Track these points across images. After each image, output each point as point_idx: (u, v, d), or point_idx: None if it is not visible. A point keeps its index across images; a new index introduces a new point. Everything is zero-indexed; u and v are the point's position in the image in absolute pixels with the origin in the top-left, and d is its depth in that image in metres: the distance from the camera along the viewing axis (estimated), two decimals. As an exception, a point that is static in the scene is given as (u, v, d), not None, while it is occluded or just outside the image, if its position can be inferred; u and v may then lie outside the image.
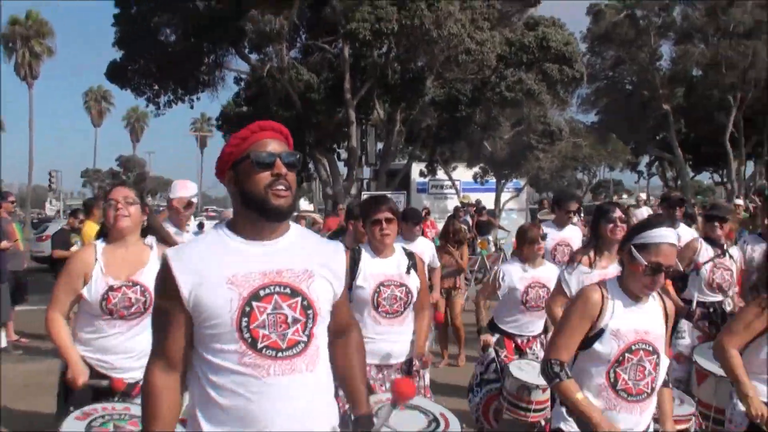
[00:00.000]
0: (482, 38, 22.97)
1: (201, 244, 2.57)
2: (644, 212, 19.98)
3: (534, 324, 6.11)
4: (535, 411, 5.31)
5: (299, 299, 2.52)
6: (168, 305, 2.48)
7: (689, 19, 36.97)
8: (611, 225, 5.22)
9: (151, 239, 4.38)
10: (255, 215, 2.52)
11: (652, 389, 3.35)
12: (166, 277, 2.48)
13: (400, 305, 4.76)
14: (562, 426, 3.38)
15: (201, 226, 23.58)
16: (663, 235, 3.29)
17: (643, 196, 33.01)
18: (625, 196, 64.50)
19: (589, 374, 3.33)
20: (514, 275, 6.06)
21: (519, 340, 6.06)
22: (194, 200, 6.56)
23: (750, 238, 7.15)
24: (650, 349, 3.32)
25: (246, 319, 2.43)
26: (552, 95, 27.06)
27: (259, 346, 2.44)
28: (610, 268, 5.05)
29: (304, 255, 2.60)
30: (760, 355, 3.86)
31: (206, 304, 2.43)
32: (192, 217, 7.24)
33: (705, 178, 56.10)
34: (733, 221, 6.94)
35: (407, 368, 4.83)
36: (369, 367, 4.53)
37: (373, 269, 4.73)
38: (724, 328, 3.92)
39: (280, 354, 2.46)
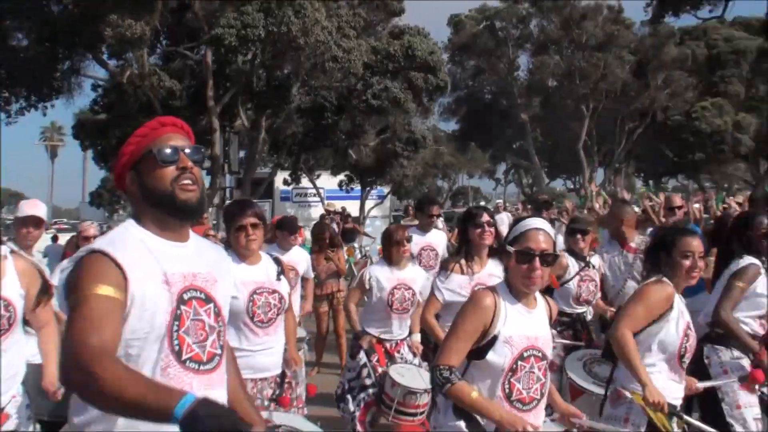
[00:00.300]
0: (349, 46, 23.15)
1: (126, 238, 2.36)
2: (504, 218, 20.65)
3: (400, 327, 6.14)
4: (421, 414, 5.34)
5: (212, 306, 2.42)
6: (111, 298, 2.17)
7: (545, 32, 38.64)
8: (479, 230, 5.21)
9: (5, 249, 4.01)
10: (164, 214, 2.39)
11: (542, 394, 3.29)
12: (106, 268, 2.20)
13: (274, 312, 4.67)
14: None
15: (55, 239, 22.34)
16: (529, 222, 3.31)
17: (500, 202, 34.08)
18: (482, 203, 66.47)
19: (482, 387, 3.22)
20: (381, 277, 6.07)
21: (388, 345, 6.07)
22: (43, 218, 6.17)
23: (606, 244, 7.32)
24: (540, 354, 3.26)
25: (177, 323, 2.29)
26: (417, 103, 27.56)
27: (183, 357, 2.30)
28: (482, 273, 5.17)
29: (207, 259, 2.50)
30: (649, 344, 3.89)
31: (148, 302, 2.23)
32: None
33: (559, 184, 58.61)
34: (593, 229, 7.16)
35: (280, 380, 4.75)
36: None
37: (243, 277, 4.56)
38: (620, 316, 3.94)
39: (201, 367, 2.35)
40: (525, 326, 3.23)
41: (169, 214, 2.39)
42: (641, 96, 37.33)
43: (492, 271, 5.18)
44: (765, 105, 37.05)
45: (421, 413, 5.31)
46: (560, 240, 6.73)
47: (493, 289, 3.29)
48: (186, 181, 2.38)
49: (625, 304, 4.04)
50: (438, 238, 7.92)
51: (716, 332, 4.62)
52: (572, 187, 53.24)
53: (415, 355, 6.10)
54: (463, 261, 5.25)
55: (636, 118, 39.12)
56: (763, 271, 4.64)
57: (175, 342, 2.27)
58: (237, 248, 4.63)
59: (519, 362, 3.18)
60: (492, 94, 42.05)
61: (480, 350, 3.19)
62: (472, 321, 3.19)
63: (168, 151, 2.38)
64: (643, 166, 50.03)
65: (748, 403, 4.41)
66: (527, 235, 3.24)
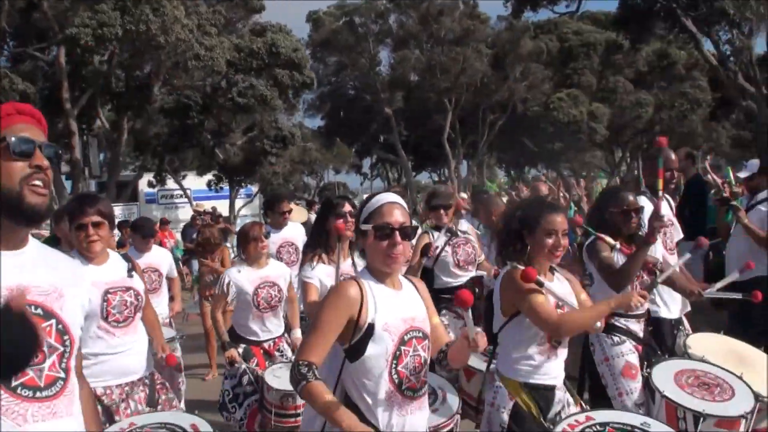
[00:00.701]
0: (211, 44, 23.05)
1: None
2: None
3: (272, 324, 6.03)
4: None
5: (53, 322, 2.15)
6: None
7: (404, 27, 39.47)
8: (341, 220, 5.07)
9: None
10: (2, 217, 2.10)
11: (424, 375, 3.12)
12: None
13: (131, 311, 4.46)
14: None
15: None
16: (381, 198, 3.14)
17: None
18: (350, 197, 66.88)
19: (370, 384, 2.97)
20: (241, 279, 5.93)
21: (266, 345, 5.97)
22: None
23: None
24: (421, 334, 3.07)
25: None
26: (283, 100, 27.71)
27: (13, 384, 2.03)
28: (346, 264, 4.95)
29: (50, 270, 2.22)
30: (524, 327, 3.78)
31: None
32: None
33: (425, 177, 59.97)
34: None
35: (150, 383, 4.57)
36: (110, 389, 4.33)
37: (92, 278, 4.15)
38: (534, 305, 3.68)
39: (38, 394, 2.08)
40: (398, 308, 3.04)
41: (8, 218, 2.10)
42: (501, 89, 38.85)
43: (357, 263, 5.09)
44: (615, 95, 39.37)
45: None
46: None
47: (355, 278, 3.07)
48: (37, 182, 2.11)
49: (519, 302, 3.77)
50: (295, 232, 8.08)
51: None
52: (437, 179, 54.62)
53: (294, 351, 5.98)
54: (323, 253, 5.17)
55: (497, 111, 40.60)
56: (617, 246, 4.76)
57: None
58: (78, 249, 4.35)
59: (402, 347, 2.98)
60: (355, 89, 42.61)
61: (356, 347, 2.97)
62: (335, 313, 2.94)
63: (23, 143, 2.11)
64: (504, 156, 51.99)
65: (629, 390, 4.51)
66: (382, 211, 3.05)
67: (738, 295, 5.04)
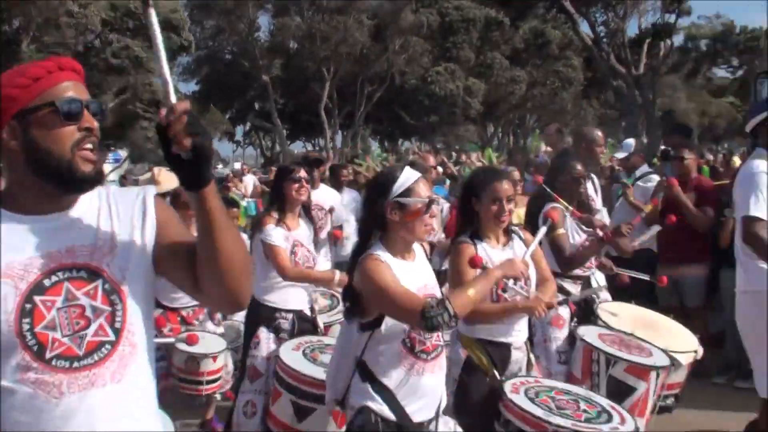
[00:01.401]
0: (85, 1, 22.03)
1: None
2: (249, 180, 20.88)
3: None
4: (208, 383, 5.27)
5: (99, 283, 1.94)
6: None
7: (286, -7, 38.95)
8: (297, 185, 5.09)
9: None
10: (47, 185, 1.93)
11: (442, 339, 3.30)
12: None
13: None
14: (370, 404, 3.15)
15: None
16: (411, 173, 3.24)
17: (238, 165, 34.18)
18: (220, 165, 65.93)
19: (386, 350, 3.15)
20: None
21: (184, 312, 5.78)
22: None
23: None
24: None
25: (28, 320, 1.85)
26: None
27: (48, 355, 1.86)
28: (298, 232, 5.08)
29: (104, 220, 2.02)
30: None
31: None
32: None
33: (299, 146, 59.65)
34: None
35: None
36: None
37: None
38: (452, 283, 3.82)
39: (76, 364, 1.89)
40: (414, 279, 3.17)
41: (57, 186, 1.94)
42: (380, 60, 38.98)
43: (305, 232, 5.19)
44: (491, 71, 40.34)
45: (209, 381, 5.26)
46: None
47: (372, 255, 3.14)
48: (89, 146, 1.94)
49: (450, 268, 3.96)
50: None
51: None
52: (312, 149, 54.42)
53: (214, 321, 5.95)
54: (276, 216, 5.09)
55: (375, 82, 40.75)
56: (568, 212, 5.00)
57: (31, 341, 1.85)
58: None
59: None
60: (233, 54, 41.76)
61: (378, 319, 3.12)
62: (389, 276, 3.06)
63: (71, 104, 1.92)
64: (379, 128, 52.39)
65: (553, 338, 4.76)
66: (420, 185, 3.20)
67: (646, 277, 5.43)
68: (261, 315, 5.02)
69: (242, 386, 4.98)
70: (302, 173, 5.17)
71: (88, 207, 2.02)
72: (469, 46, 40.28)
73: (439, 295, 3.24)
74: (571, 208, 5.05)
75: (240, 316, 6.62)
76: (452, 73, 39.35)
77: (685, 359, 4.81)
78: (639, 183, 7.90)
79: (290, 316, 5.07)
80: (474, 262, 3.56)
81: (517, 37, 40.21)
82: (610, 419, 3.56)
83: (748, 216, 4.81)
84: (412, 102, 41.11)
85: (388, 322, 3.12)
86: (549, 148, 10.53)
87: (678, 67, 44.99)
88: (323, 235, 6.95)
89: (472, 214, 3.99)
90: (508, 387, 3.67)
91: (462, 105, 39.71)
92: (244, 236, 6.55)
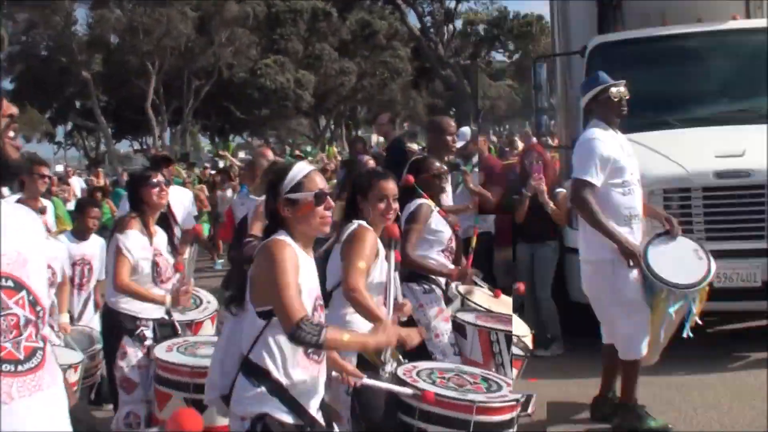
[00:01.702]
0: None
1: None
2: (75, 183, 20.00)
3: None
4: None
5: (24, 294, 1.96)
6: None
7: (105, -15, 37.44)
8: (156, 189, 4.89)
9: None
10: None
11: None
12: None
13: None
14: (269, 411, 2.97)
15: None
16: (302, 167, 3.20)
17: (60, 168, 32.65)
18: (43, 169, 62.56)
19: (284, 348, 2.98)
20: None
21: None
22: None
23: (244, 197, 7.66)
24: (321, 303, 3.19)
25: None
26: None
27: None
28: (157, 239, 4.93)
29: (16, 232, 1.99)
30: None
31: None
32: None
33: (125, 146, 57.59)
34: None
35: None
36: None
37: None
38: (348, 269, 3.83)
39: (20, 367, 1.92)
40: (313, 276, 3.13)
41: None
42: (206, 53, 38.21)
43: (163, 239, 5.03)
44: (320, 63, 40.51)
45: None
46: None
47: (281, 238, 3.05)
48: (11, 134, 1.91)
49: (347, 254, 3.88)
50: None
51: (408, 271, 4.85)
52: (139, 147, 52.66)
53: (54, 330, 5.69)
54: (140, 222, 4.86)
55: (202, 76, 39.92)
56: (435, 209, 5.03)
57: None
58: None
59: (313, 314, 3.03)
60: (49, 49, 39.65)
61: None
62: (292, 267, 2.95)
63: None
64: (209, 123, 51.43)
65: (444, 331, 4.80)
66: (311, 178, 3.12)
67: (489, 293, 5.54)
68: (122, 325, 4.79)
69: (119, 398, 4.78)
70: (160, 177, 4.99)
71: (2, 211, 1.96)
72: (297, 38, 40.23)
73: (321, 300, 3.19)
74: (437, 208, 5.11)
75: (85, 321, 6.42)
76: (282, 65, 39.19)
77: (529, 342, 5.11)
78: (476, 169, 8.17)
79: (150, 323, 4.88)
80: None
81: (344, 28, 40.56)
82: (500, 387, 3.85)
83: (578, 179, 5.07)
84: (241, 96, 40.65)
85: None
86: (381, 138, 10.68)
87: (460, 52, 46.52)
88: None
89: (357, 211, 4.08)
90: (403, 376, 3.77)
91: (293, 98, 39.60)
92: (63, 239, 6.35)
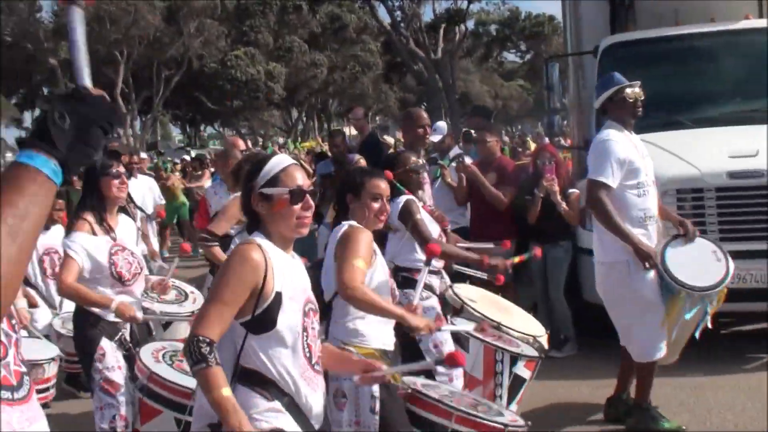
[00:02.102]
0: None
1: None
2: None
3: None
4: (39, 392, 5.06)
5: None
6: None
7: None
8: (116, 180, 4.53)
9: None
10: None
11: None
12: None
13: None
14: (286, 427, 2.76)
15: None
16: (280, 160, 2.93)
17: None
18: (9, 154, 62.11)
19: (284, 359, 2.75)
20: None
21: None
22: None
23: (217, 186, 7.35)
24: (314, 307, 2.93)
25: None
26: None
27: None
28: (120, 232, 4.56)
29: None
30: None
31: None
32: None
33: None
34: None
35: None
36: None
37: None
38: (344, 269, 3.57)
39: (16, 395, 1.76)
40: (297, 278, 2.87)
41: None
42: (175, 43, 37.81)
43: (128, 230, 4.69)
44: (291, 55, 40.29)
45: (43, 390, 5.01)
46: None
47: (254, 242, 2.79)
48: None
49: (341, 255, 3.64)
50: None
51: (402, 278, 4.75)
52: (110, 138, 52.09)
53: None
54: (92, 219, 4.47)
55: (172, 66, 39.49)
56: (420, 204, 4.97)
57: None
58: None
59: (305, 319, 2.81)
60: (14, 36, 39.10)
61: (263, 317, 2.72)
62: (239, 280, 2.68)
63: None
64: (180, 114, 51.12)
65: (443, 341, 4.62)
66: (289, 173, 2.84)
67: (483, 275, 5.56)
68: (100, 328, 4.46)
69: (100, 401, 4.40)
70: (121, 168, 4.63)
71: None
72: (267, 30, 39.94)
73: (314, 304, 2.93)
74: (421, 202, 5.06)
75: (67, 308, 5.95)
76: (252, 57, 38.89)
77: (545, 342, 5.09)
78: (453, 165, 8.09)
79: (128, 325, 4.58)
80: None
81: (314, 21, 40.33)
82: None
83: (593, 180, 5.04)
84: (212, 87, 40.33)
85: (283, 321, 2.73)
86: (355, 131, 10.60)
87: (471, 52, 46.86)
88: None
89: (346, 210, 3.88)
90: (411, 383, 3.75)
91: (264, 90, 39.38)
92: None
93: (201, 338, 2.57)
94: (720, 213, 6.35)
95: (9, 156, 55.77)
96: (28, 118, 52.80)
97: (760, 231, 6.30)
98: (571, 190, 7.25)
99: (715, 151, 6.66)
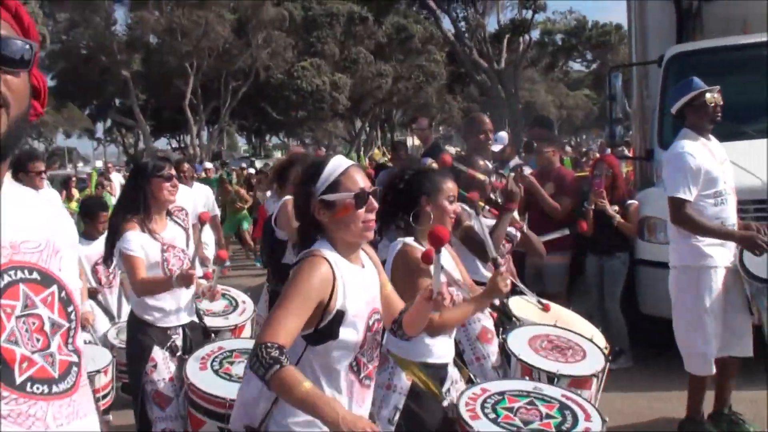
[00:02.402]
0: None
1: None
2: (116, 179, 20.52)
3: None
4: (101, 399, 4.86)
5: (55, 289, 1.54)
6: None
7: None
8: (168, 184, 4.49)
9: None
10: None
11: (377, 359, 2.86)
12: None
13: None
14: None
15: None
16: (339, 162, 2.77)
17: (100, 164, 33.22)
18: (81, 164, 64.00)
19: (331, 373, 2.68)
20: None
21: None
22: None
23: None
24: (380, 317, 2.81)
25: None
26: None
27: (19, 380, 1.43)
28: (167, 234, 4.51)
29: (37, 216, 1.59)
30: None
31: None
32: None
33: (163, 144, 58.52)
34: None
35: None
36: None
37: None
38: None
39: (55, 388, 1.49)
40: (364, 290, 2.74)
41: None
42: (243, 55, 38.65)
43: (175, 233, 4.59)
44: (357, 66, 40.80)
45: (104, 396, 4.89)
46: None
47: (321, 254, 2.66)
48: None
49: (397, 271, 3.50)
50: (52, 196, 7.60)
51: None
52: (177, 146, 53.46)
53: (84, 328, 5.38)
54: (137, 221, 4.42)
55: (240, 77, 40.33)
56: (486, 208, 4.93)
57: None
58: None
59: (367, 333, 2.71)
60: (89, 49, 40.39)
61: (324, 332, 2.64)
62: (306, 294, 2.56)
63: None
64: (246, 124, 52.05)
65: (486, 354, 4.44)
66: (350, 175, 2.71)
67: (566, 231, 5.72)
68: (152, 336, 4.41)
69: (153, 414, 4.34)
70: (172, 170, 4.57)
71: (13, 196, 1.56)
72: (334, 41, 40.53)
73: (381, 309, 2.84)
74: (487, 207, 4.93)
75: (125, 317, 5.67)
76: (318, 68, 39.49)
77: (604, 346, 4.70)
78: (512, 174, 8.12)
79: (180, 330, 4.52)
80: (428, 258, 3.23)
81: (380, 31, 40.80)
82: (575, 419, 3.44)
83: (675, 197, 5.00)
84: (278, 97, 40.97)
85: (343, 335, 2.63)
86: (418, 142, 10.63)
87: (536, 62, 46.83)
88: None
89: (415, 213, 3.63)
90: (463, 410, 3.41)
91: (329, 100, 39.92)
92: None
93: (269, 344, 2.44)
94: None
95: (80, 165, 57.49)
96: (100, 128, 54.46)
97: None
98: (629, 202, 7.21)
99: None
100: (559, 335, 4.50)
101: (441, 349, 3.60)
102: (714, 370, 5.10)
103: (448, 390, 3.62)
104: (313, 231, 2.74)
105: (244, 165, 28.41)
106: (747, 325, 5.19)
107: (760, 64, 7.54)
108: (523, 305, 4.96)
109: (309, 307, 2.56)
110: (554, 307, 5.11)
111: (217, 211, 10.26)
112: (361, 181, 2.71)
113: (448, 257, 3.74)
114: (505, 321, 4.70)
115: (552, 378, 4.03)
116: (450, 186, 3.70)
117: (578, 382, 4.07)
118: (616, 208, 7.08)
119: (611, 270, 7.22)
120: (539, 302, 5.04)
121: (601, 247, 7.14)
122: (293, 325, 2.51)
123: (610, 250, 7.17)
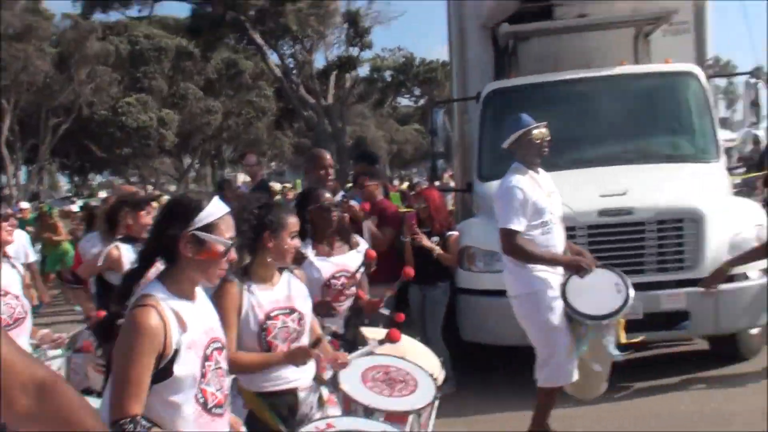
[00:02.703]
0: None
1: None
2: None
3: None
4: None
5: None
6: None
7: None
8: (6, 223, 4.50)
9: None
10: None
11: (227, 387, 2.89)
12: None
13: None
14: None
15: None
16: (217, 207, 2.79)
17: None
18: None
19: (175, 408, 2.65)
20: None
21: None
22: None
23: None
24: (220, 345, 2.81)
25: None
26: None
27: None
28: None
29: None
30: None
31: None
32: None
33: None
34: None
35: None
36: None
37: None
38: None
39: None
40: (199, 321, 2.73)
41: None
42: (65, 90, 37.34)
43: (10, 278, 4.45)
44: (185, 101, 40.46)
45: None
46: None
47: (148, 299, 2.62)
48: None
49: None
50: None
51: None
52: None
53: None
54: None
55: (61, 113, 38.86)
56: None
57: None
58: None
59: (206, 363, 2.70)
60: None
61: (162, 370, 2.61)
62: (141, 355, 2.55)
63: None
64: (68, 162, 50.03)
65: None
66: (226, 222, 2.79)
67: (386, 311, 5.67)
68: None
69: None
70: (9, 210, 4.81)
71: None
72: (162, 76, 40.07)
73: (223, 337, 2.88)
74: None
75: None
76: (144, 103, 38.84)
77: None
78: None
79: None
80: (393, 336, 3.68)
81: (209, 67, 40.73)
82: None
83: (506, 228, 5.30)
84: (102, 134, 39.78)
85: (179, 371, 2.62)
86: (249, 178, 10.81)
87: (365, 97, 48.09)
88: None
89: (253, 248, 3.68)
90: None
91: (156, 137, 39.27)
92: None
93: (122, 421, 2.49)
94: (591, 249, 6.14)
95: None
96: None
97: (628, 266, 6.29)
98: (449, 233, 7.48)
99: (587, 190, 6.99)
100: (400, 367, 4.41)
101: (283, 375, 3.62)
102: (576, 376, 5.31)
103: (307, 415, 3.69)
104: (160, 257, 2.79)
105: (65, 207, 27.39)
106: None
107: (569, 99, 8.23)
108: (374, 334, 4.95)
109: (149, 363, 2.56)
110: (404, 338, 4.91)
111: (35, 257, 9.96)
112: (231, 232, 2.78)
113: (297, 286, 3.83)
114: (346, 349, 4.63)
115: (369, 411, 3.99)
116: (293, 221, 3.74)
117: (393, 417, 4.01)
118: (437, 239, 7.35)
119: (433, 299, 7.45)
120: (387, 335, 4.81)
121: (422, 277, 6.93)
122: (140, 389, 2.54)
123: (431, 280, 7.35)
